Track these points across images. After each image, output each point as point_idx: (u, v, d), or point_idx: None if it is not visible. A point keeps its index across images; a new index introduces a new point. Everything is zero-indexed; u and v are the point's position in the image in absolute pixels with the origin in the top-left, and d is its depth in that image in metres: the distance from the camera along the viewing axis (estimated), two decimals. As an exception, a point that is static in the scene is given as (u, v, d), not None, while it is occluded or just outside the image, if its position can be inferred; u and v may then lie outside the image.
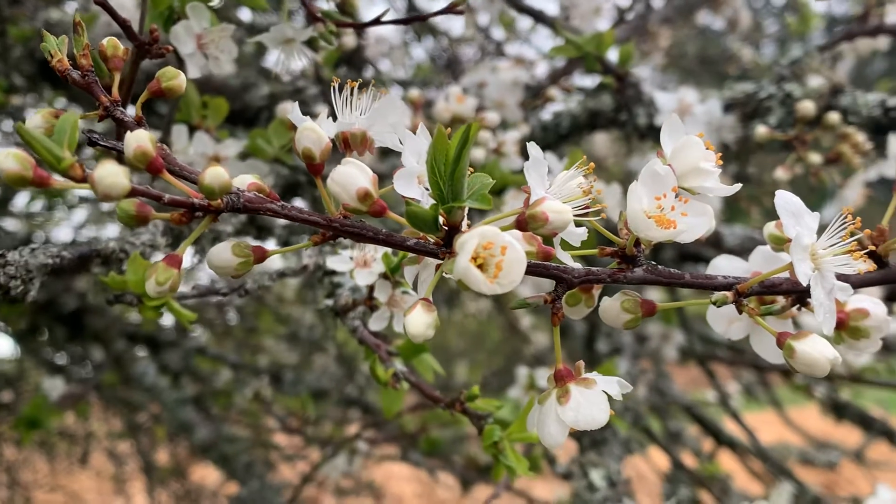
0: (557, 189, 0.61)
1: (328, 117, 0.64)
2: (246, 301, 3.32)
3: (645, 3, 2.32)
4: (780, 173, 1.18)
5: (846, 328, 0.68)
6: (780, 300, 0.68)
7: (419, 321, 0.55)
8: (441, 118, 1.24)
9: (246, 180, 0.60)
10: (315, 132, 0.59)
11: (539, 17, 1.41)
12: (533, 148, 0.60)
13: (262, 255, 0.61)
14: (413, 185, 0.61)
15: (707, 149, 0.63)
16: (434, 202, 0.56)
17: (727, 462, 2.89)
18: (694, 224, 0.60)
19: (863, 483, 3.16)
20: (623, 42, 2.42)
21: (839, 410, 2.21)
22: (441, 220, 0.57)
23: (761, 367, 2.37)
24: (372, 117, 0.64)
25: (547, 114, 1.66)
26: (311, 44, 1.54)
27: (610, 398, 0.60)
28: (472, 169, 0.58)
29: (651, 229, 0.58)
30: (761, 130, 1.18)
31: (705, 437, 2.67)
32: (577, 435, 1.40)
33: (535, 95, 1.70)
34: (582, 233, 0.61)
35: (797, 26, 2.59)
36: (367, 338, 0.96)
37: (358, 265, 0.87)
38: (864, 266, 0.60)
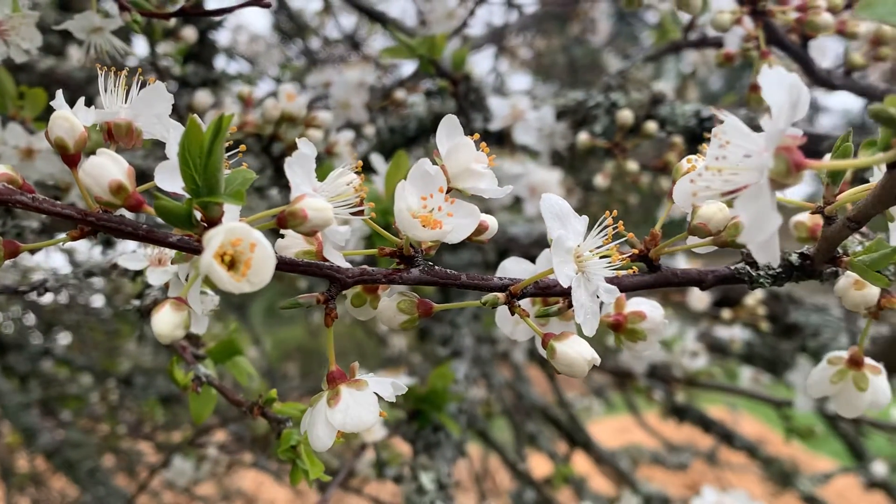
0: (326, 187, 0.60)
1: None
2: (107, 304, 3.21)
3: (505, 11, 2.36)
4: (599, 180, 1.21)
5: (623, 330, 0.69)
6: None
7: (166, 321, 0.53)
8: (270, 116, 1.21)
9: (-1, 171, 0.56)
10: (68, 121, 0.57)
11: (377, 18, 1.40)
12: (303, 144, 0.59)
13: (13, 250, 0.58)
14: (176, 178, 0.58)
15: (482, 151, 0.63)
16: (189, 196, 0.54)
17: (583, 464, 2.96)
18: (460, 224, 0.60)
19: (734, 482, 3.27)
20: (475, 47, 2.44)
21: (680, 413, 2.29)
22: (199, 215, 0.55)
23: (618, 372, 2.42)
24: (137, 107, 0.61)
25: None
26: (149, 35, 1.50)
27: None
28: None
29: (417, 229, 0.58)
30: (583, 137, 1.20)
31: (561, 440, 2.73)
32: (411, 438, 1.40)
33: (383, 97, 1.69)
34: (346, 231, 0.60)
35: (658, 39, 2.67)
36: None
37: (152, 263, 0.83)
38: (625, 269, 0.61)
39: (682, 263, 1.70)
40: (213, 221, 0.55)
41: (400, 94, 1.59)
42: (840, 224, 0.57)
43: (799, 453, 5.05)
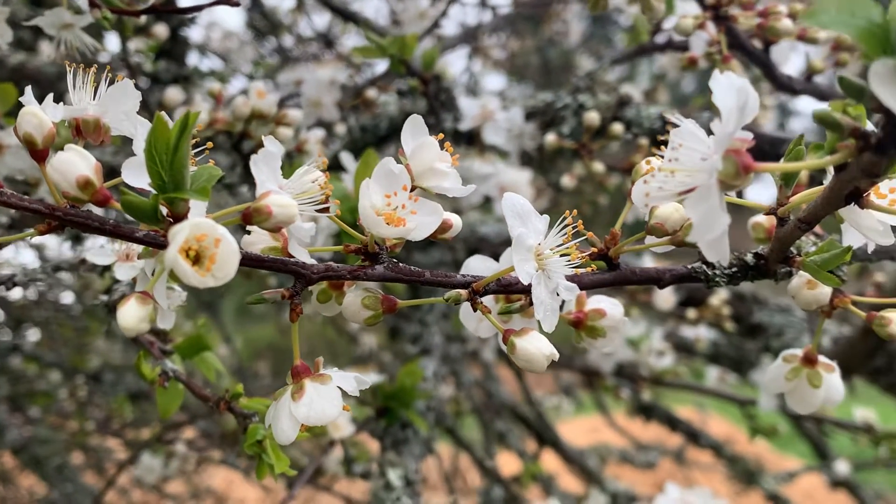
0: (292, 184, 0.61)
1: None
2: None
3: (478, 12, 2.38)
4: (566, 180, 1.23)
5: (584, 327, 0.71)
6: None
7: (131, 314, 0.54)
8: (240, 113, 1.22)
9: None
10: (37, 117, 0.57)
11: (349, 17, 1.41)
12: (269, 142, 0.60)
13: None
14: (143, 174, 0.59)
15: (446, 150, 0.64)
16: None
17: (552, 463, 2.98)
18: (424, 222, 0.61)
19: (701, 480, 3.30)
20: (448, 47, 2.46)
21: (647, 412, 2.31)
22: (165, 211, 0.56)
23: (586, 371, 2.44)
24: (105, 103, 0.62)
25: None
26: (121, 32, 1.49)
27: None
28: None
29: (380, 226, 0.59)
30: (550, 138, 1.22)
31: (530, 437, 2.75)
32: (379, 435, 1.41)
33: (355, 96, 1.70)
34: (311, 228, 0.61)
35: (630, 40, 2.69)
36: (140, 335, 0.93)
37: (120, 259, 0.84)
38: (583, 267, 0.63)
39: (649, 263, 1.72)
40: (178, 217, 0.56)
41: (371, 93, 1.60)
42: (792, 225, 0.59)
43: (767, 453, 5.12)
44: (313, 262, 0.62)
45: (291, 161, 1.32)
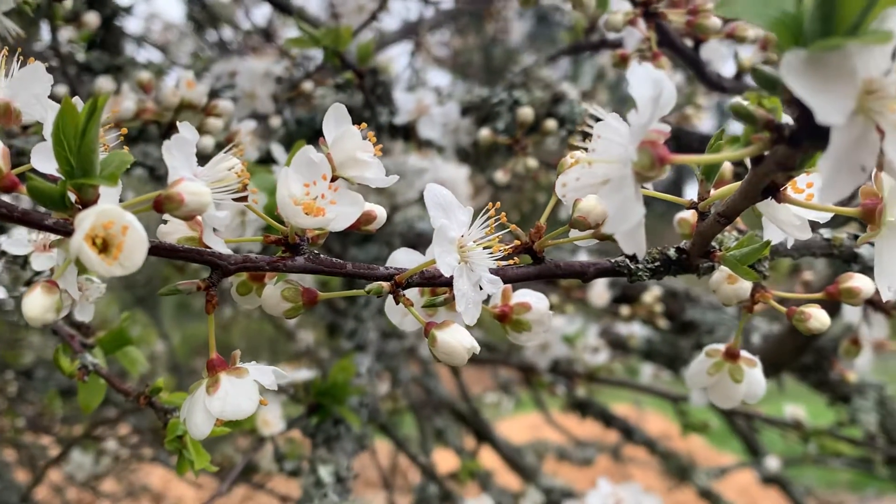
0: (208, 172, 0.59)
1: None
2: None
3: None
4: (500, 176, 1.23)
5: (509, 321, 0.70)
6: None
7: (36, 303, 0.52)
8: (169, 104, 1.19)
9: None
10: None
11: (283, 8, 1.39)
12: (184, 128, 0.59)
13: None
14: (52, 160, 0.57)
15: (368, 140, 0.63)
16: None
17: (492, 460, 2.99)
18: (344, 212, 0.60)
19: (638, 476, 3.33)
20: (389, 42, 2.44)
21: (582, 408, 2.33)
22: (74, 198, 0.54)
23: (523, 367, 2.45)
24: (14, 87, 0.60)
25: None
26: (52, 20, 1.45)
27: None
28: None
29: (299, 216, 0.58)
30: (484, 133, 1.22)
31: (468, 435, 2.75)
32: (311, 432, 1.39)
33: (291, 88, 1.68)
34: (225, 216, 0.59)
35: (571, 40, 2.71)
36: (59, 328, 0.91)
37: (37, 249, 0.81)
38: (506, 260, 0.62)
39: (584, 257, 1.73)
40: (87, 204, 0.54)
41: (308, 85, 1.58)
42: (711, 219, 0.59)
43: (705, 450, 5.21)
44: (230, 252, 0.61)
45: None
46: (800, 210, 0.56)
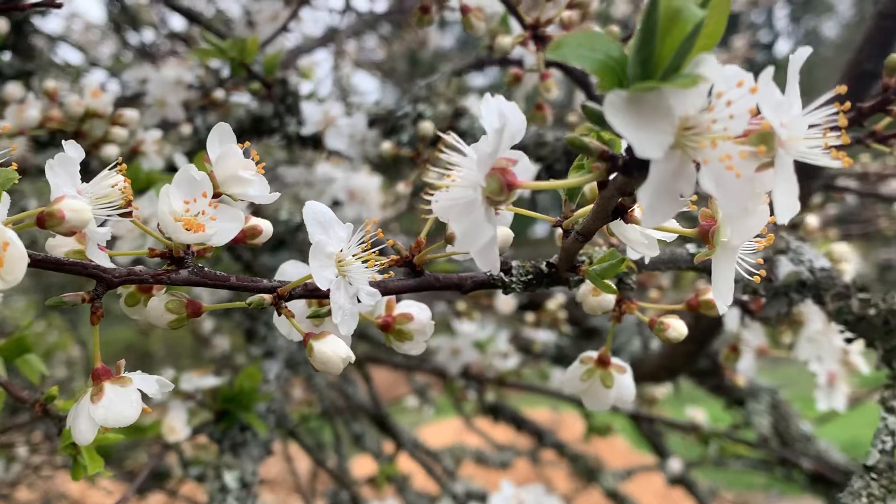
0: (92, 188, 0.61)
1: None
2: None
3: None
4: (401, 187, 1.26)
5: (392, 331, 0.73)
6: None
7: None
8: (73, 113, 1.20)
9: None
10: None
11: (193, 18, 1.41)
12: (68, 146, 0.61)
13: None
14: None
15: (252, 158, 0.66)
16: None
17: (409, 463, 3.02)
18: (224, 228, 0.63)
19: (554, 479, 3.38)
20: (308, 50, 2.46)
21: (494, 412, 2.38)
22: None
23: (436, 372, 2.49)
24: None
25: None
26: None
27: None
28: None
29: (179, 232, 0.60)
30: (386, 146, 1.25)
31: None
32: (217, 438, 1.41)
33: (203, 96, 1.68)
34: (105, 233, 0.62)
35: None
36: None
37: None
38: (381, 275, 0.66)
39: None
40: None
41: (219, 94, 1.59)
42: (572, 237, 0.63)
43: (630, 452, 5.31)
44: (113, 266, 0.63)
45: (131, 162, 1.31)
46: (648, 230, 0.61)
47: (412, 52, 4.07)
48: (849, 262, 1.12)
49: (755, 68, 0.51)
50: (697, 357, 1.55)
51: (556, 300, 1.81)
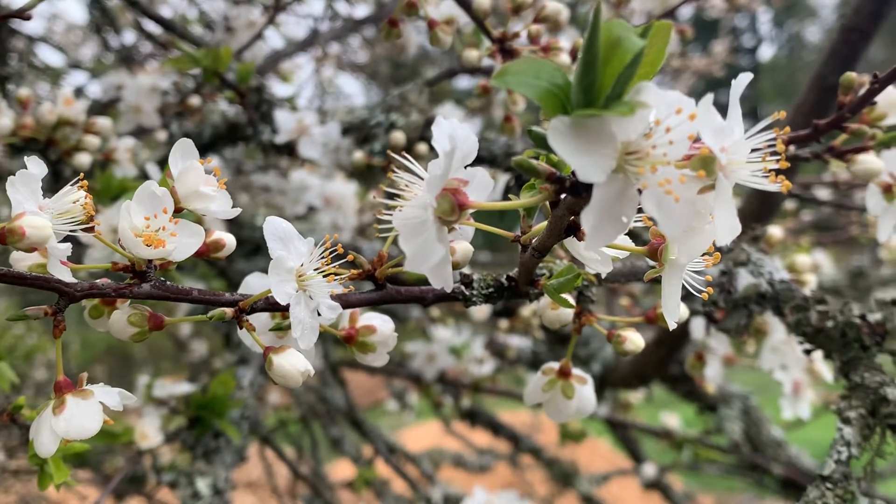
0: (53, 204, 0.62)
1: None
2: None
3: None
4: (372, 197, 1.27)
5: (355, 343, 0.75)
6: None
7: None
8: (46, 121, 1.20)
9: None
10: None
11: (167, 26, 1.41)
12: (31, 163, 0.61)
13: None
14: None
15: (213, 174, 0.67)
16: None
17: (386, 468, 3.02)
18: (184, 244, 0.63)
19: (534, 483, 3.39)
20: (288, 54, 2.47)
21: (472, 417, 2.39)
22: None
23: (412, 377, 2.49)
24: None
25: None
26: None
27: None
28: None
29: (139, 247, 0.61)
30: (358, 155, 1.26)
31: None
32: (191, 444, 1.41)
33: (179, 102, 1.69)
34: (66, 248, 0.62)
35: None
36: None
37: None
38: (340, 288, 0.67)
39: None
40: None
41: (194, 100, 1.60)
42: (529, 253, 0.64)
43: (611, 455, 5.33)
44: (75, 280, 0.64)
45: (104, 170, 1.31)
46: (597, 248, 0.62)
47: (392, 56, 4.07)
48: (813, 272, 1.14)
49: (737, 73, 0.53)
50: (668, 363, 1.56)
51: (530, 307, 1.82)
